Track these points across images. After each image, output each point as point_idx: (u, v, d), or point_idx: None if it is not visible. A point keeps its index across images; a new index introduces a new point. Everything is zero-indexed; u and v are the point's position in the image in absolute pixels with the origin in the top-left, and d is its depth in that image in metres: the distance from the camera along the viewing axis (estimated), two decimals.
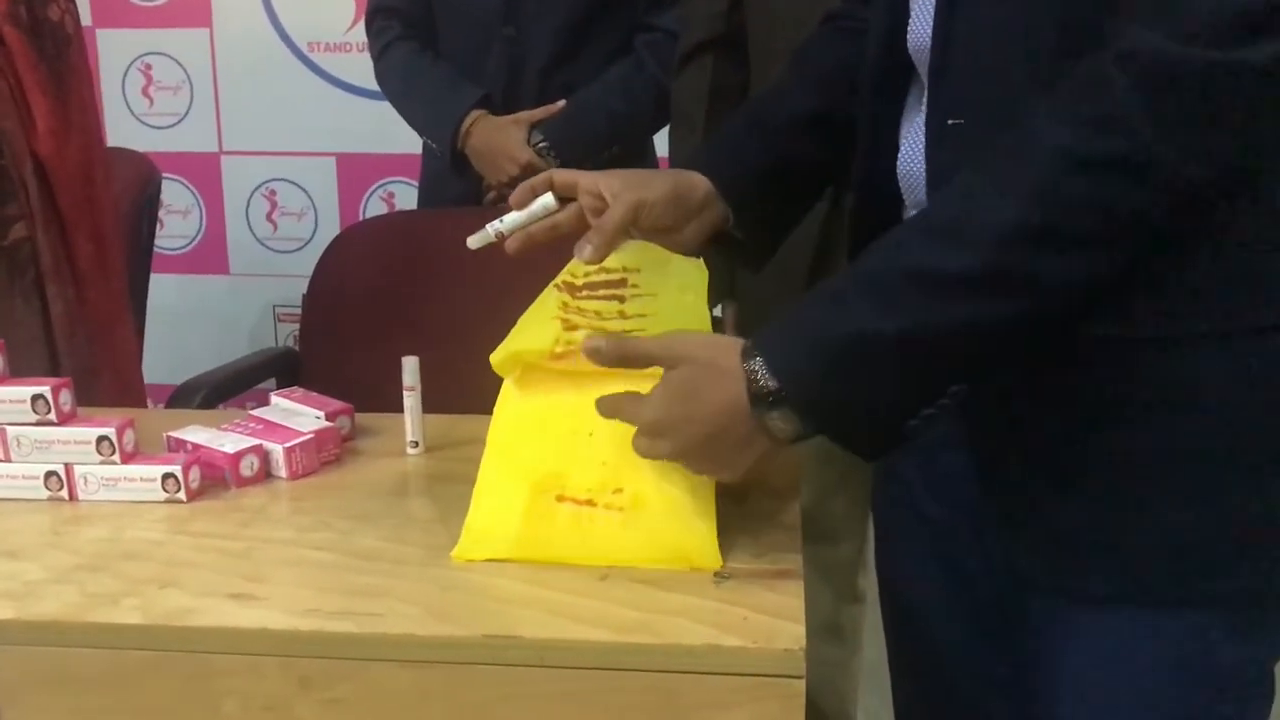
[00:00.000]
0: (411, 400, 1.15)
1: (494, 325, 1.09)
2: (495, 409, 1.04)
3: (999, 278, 0.78)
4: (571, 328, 1.04)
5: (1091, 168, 0.75)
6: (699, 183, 1.03)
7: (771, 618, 0.82)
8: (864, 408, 0.82)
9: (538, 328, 1.05)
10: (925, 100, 0.92)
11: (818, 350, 0.82)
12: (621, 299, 1.09)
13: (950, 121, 0.89)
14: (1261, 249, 0.82)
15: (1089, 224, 0.77)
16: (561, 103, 1.90)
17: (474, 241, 1.02)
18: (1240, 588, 0.87)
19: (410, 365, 1.14)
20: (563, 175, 1.02)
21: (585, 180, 1.00)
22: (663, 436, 0.88)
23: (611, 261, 1.04)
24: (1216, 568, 0.86)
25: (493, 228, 1.01)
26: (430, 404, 1.17)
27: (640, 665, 0.80)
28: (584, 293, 1.10)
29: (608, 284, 1.11)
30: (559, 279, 1.13)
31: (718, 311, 1.79)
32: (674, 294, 1.10)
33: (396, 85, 2.03)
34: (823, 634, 1.76)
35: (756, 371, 0.83)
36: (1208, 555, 0.86)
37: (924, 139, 0.92)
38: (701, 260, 1.09)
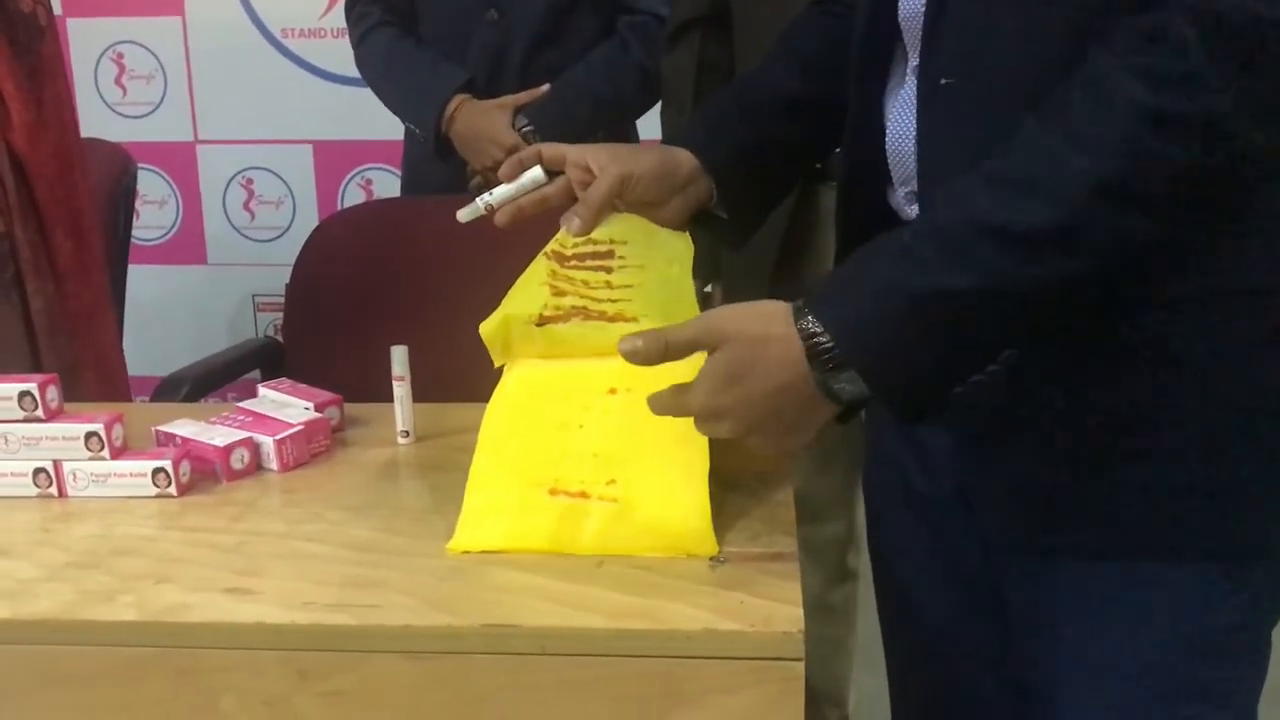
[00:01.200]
0: (401, 390, 1.14)
1: (480, 313, 1.09)
2: (488, 406, 1.04)
3: (1077, 234, 0.77)
4: (560, 294, 1.05)
5: (1169, 126, 0.75)
6: (684, 159, 1.04)
7: (769, 601, 0.83)
8: (920, 366, 0.81)
9: (526, 294, 1.06)
10: (913, 68, 0.92)
11: (883, 305, 0.80)
12: (609, 269, 1.10)
13: (943, 81, 0.89)
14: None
15: (1163, 182, 0.77)
16: (546, 86, 1.89)
17: (464, 215, 1.02)
18: (1233, 545, 0.88)
19: (400, 355, 1.14)
20: (551, 149, 1.02)
21: (573, 154, 1.01)
22: (720, 419, 0.85)
23: (599, 234, 1.05)
24: (1207, 525, 0.87)
25: (482, 201, 1.01)
26: (417, 393, 1.17)
27: (639, 651, 0.80)
28: (572, 263, 1.11)
29: (595, 255, 1.12)
30: (548, 248, 1.13)
31: (707, 289, 1.80)
32: (660, 266, 1.11)
33: (378, 71, 2.01)
34: (815, 613, 1.77)
35: (813, 331, 0.82)
36: (1197, 513, 0.86)
37: (914, 108, 0.92)
38: (688, 235, 1.10)
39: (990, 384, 0.85)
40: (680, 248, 1.13)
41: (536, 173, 1.00)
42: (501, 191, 1.01)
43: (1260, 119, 0.75)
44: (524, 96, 1.88)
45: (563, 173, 1.01)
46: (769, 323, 0.83)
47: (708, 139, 1.07)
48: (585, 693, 0.81)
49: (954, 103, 0.88)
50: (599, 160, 0.99)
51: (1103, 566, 0.90)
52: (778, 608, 0.82)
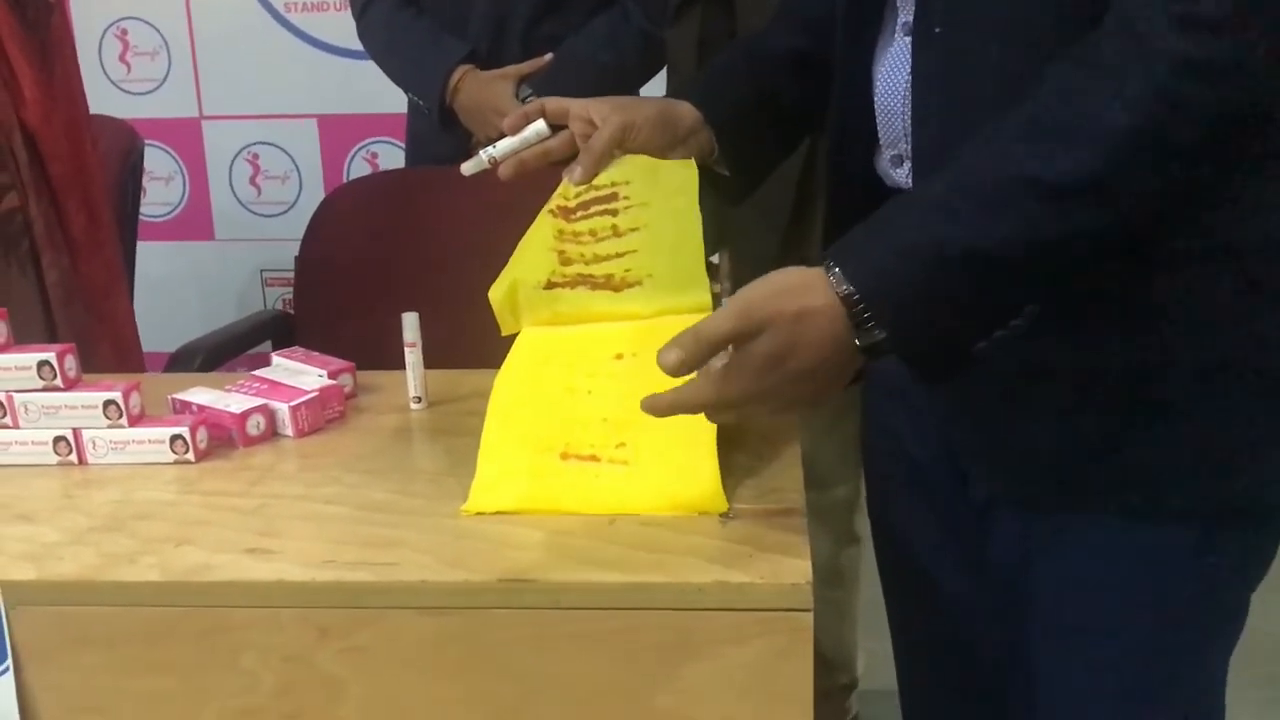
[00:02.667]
0: (413, 356, 1.16)
1: (488, 280, 1.11)
2: (498, 375, 1.05)
3: (1114, 184, 0.77)
4: (567, 261, 1.06)
5: (1203, 71, 0.74)
6: (686, 110, 1.05)
7: (777, 554, 0.84)
8: (947, 321, 0.81)
9: (533, 257, 1.07)
10: (903, 23, 0.93)
11: (912, 259, 0.79)
12: (614, 213, 1.11)
13: (937, 30, 0.89)
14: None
15: (1199, 130, 0.76)
16: (548, 56, 1.89)
17: (467, 168, 1.04)
18: (1211, 506, 0.89)
19: (410, 321, 1.15)
20: (554, 103, 1.04)
21: (576, 107, 1.03)
22: (761, 403, 0.83)
23: (600, 179, 1.06)
24: (1188, 485, 0.88)
25: (486, 154, 1.03)
26: (428, 360, 1.18)
27: (651, 604, 0.82)
28: (578, 214, 1.12)
29: (599, 200, 1.13)
30: (551, 204, 1.14)
31: (714, 258, 1.81)
32: (666, 200, 1.11)
33: (380, 43, 2.02)
34: (822, 577, 1.79)
35: (846, 290, 0.80)
36: (1179, 472, 0.88)
37: (904, 63, 0.93)
38: (692, 161, 1.09)
39: (1011, 340, 0.85)
40: (684, 177, 1.11)
41: (540, 126, 1.02)
42: (505, 144, 1.03)
43: None
44: (526, 66, 1.89)
45: (566, 126, 1.02)
46: (803, 295, 0.81)
47: (710, 92, 1.08)
48: (599, 645, 0.83)
49: (946, 50, 0.88)
50: (601, 111, 1.01)
51: (1080, 524, 0.92)
52: (786, 561, 0.83)
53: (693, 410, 0.85)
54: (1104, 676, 0.95)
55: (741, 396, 0.82)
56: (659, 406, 0.84)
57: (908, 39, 0.93)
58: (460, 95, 1.89)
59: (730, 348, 0.83)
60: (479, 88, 1.88)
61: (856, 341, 0.81)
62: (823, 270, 0.81)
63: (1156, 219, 0.81)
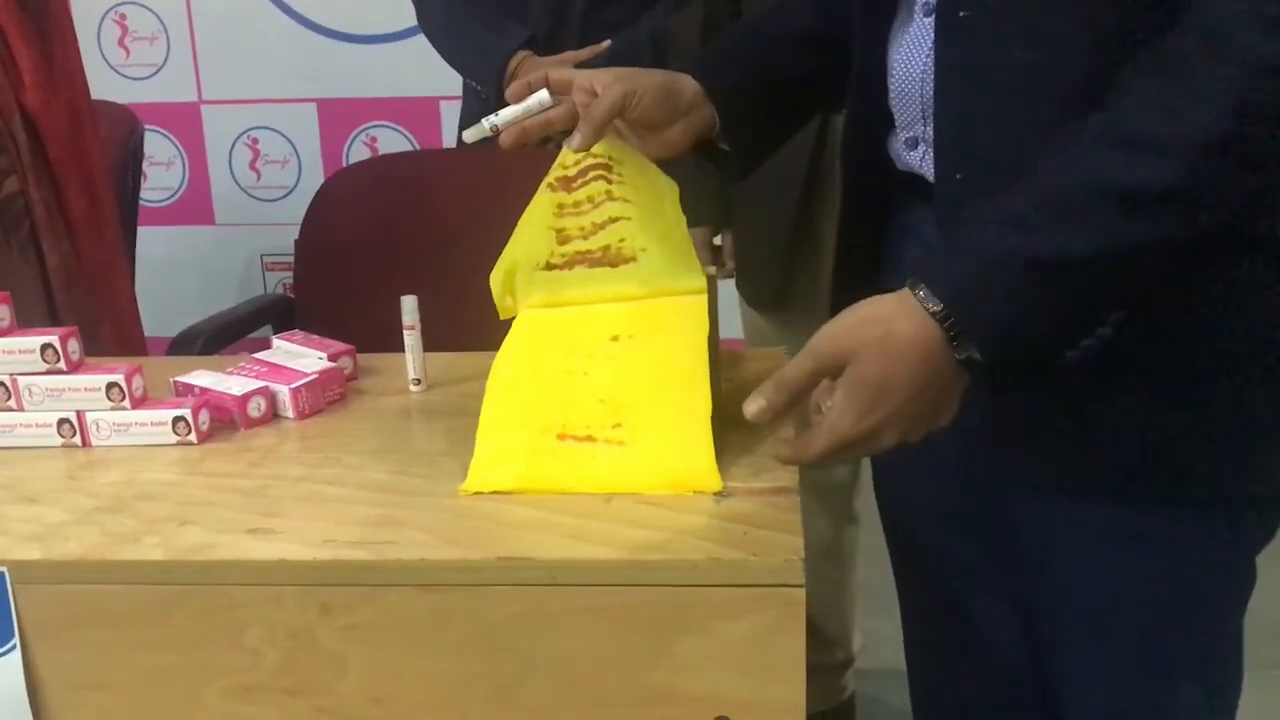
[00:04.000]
0: (412, 339, 1.17)
1: (488, 264, 1.11)
2: (496, 357, 1.06)
3: (1197, 192, 0.76)
4: (565, 240, 1.07)
5: None
6: (689, 84, 1.05)
7: (770, 531, 0.85)
8: (1035, 332, 0.80)
9: (531, 239, 1.08)
10: (923, 4, 0.92)
11: (998, 274, 0.79)
12: (609, 180, 1.12)
13: (961, 14, 0.88)
14: None
15: None
16: (606, 43, 1.89)
17: (470, 135, 1.05)
18: (1239, 492, 0.90)
19: (409, 304, 1.16)
20: (558, 73, 1.04)
21: (580, 78, 1.03)
22: (878, 436, 0.84)
23: (597, 149, 1.06)
24: (1212, 473, 0.89)
25: (488, 122, 1.04)
26: (428, 343, 1.19)
27: (646, 580, 0.83)
28: (577, 182, 1.12)
29: (596, 166, 1.14)
30: (550, 177, 1.15)
31: (717, 240, 1.82)
32: (654, 197, 1.12)
33: (438, 27, 2.02)
34: (821, 556, 1.81)
35: (934, 308, 0.80)
36: (1208, 460, 0.88)
37: (925, 45, 0.92)
38: (674, 184, 1.10)
39: (1099, 347, 0.84)
40: (671, 187, 1.12)
41: (542, 95, 1.03)
42: (507, 113, 1.03)
43: None
44: (585, 53, 1.89)
45: (570, 96, 1.03)
46: (890, 321, 0.82)
47: (713, 66, 1.08)
48: (594, 621, 0.84)
49: (972, 35, 0.87)
50: (603, 80, 1.01)
51: (1102, 509, 0.92)
52: (779, 537, 0.84)
53: (820, 463, 0.87)
54: (1129, 654, 0.95)
55: (862, 433, 0.83)
56: (798, 458, 0.88)
57: (929, 20, 0.92)
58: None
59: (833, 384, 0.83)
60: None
61: (957, 356, 0.81)
62: (908, 292, 0.82)
63: (1238, 222, 0.79)
